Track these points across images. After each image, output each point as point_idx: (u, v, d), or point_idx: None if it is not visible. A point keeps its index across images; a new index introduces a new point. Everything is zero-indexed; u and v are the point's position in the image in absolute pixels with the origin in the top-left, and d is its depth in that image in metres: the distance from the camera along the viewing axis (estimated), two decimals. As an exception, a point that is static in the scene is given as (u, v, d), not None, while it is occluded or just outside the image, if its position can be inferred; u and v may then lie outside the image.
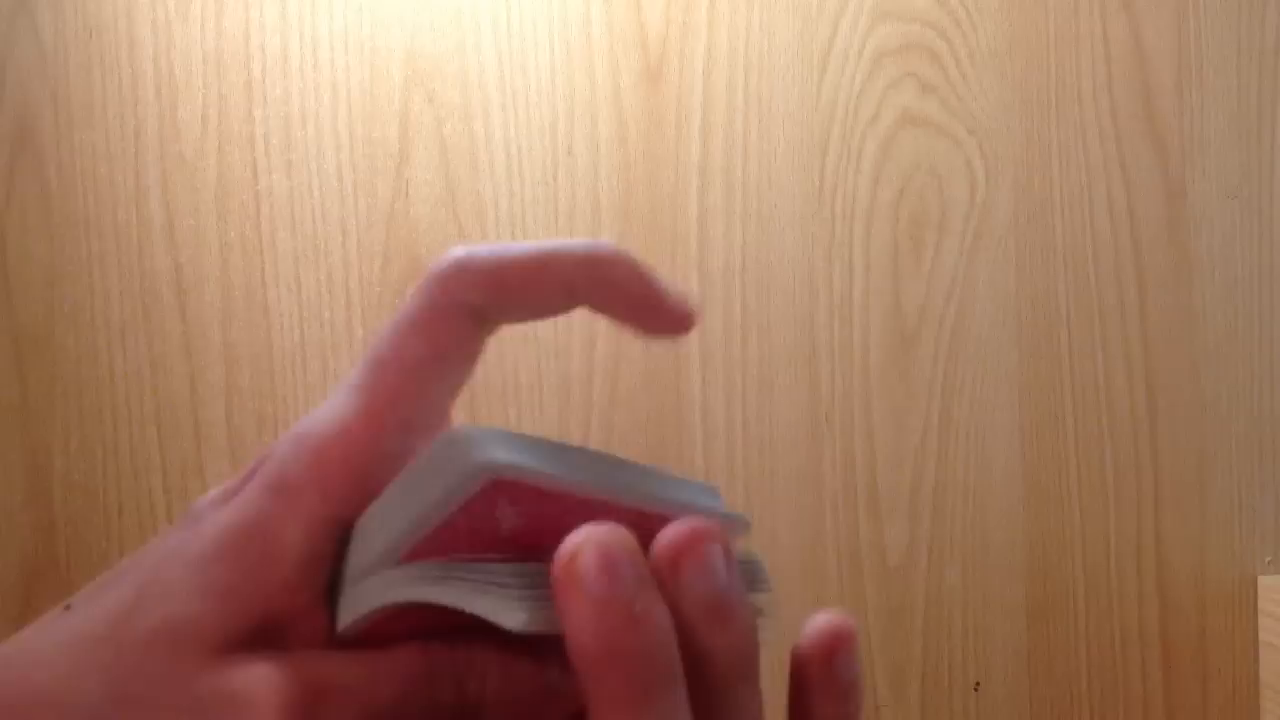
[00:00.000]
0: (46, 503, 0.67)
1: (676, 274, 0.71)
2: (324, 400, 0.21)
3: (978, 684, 0.73)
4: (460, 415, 0.27)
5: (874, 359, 0.72)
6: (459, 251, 0.21)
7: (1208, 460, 0.74)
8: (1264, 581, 0.73)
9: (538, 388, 0.69)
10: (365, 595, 0.19)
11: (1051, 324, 0.73)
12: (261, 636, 0.18)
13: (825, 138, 0.72)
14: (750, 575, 0.22)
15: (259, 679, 0.17)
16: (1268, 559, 0.74)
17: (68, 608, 0.19)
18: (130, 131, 0.68)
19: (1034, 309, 0.73)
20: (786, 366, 0.71)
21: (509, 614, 0.18)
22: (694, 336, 0.71)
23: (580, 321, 0.70)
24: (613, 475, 0.20)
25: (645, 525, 0.19)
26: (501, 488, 0.18)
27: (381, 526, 0.19)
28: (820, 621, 0.21)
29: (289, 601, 0.19)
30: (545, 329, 0.70)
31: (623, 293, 0.21)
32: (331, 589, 0.20)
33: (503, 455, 0.18)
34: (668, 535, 0.18)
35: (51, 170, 0.68)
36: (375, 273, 0.69)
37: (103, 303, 0.68)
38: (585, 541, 0.17)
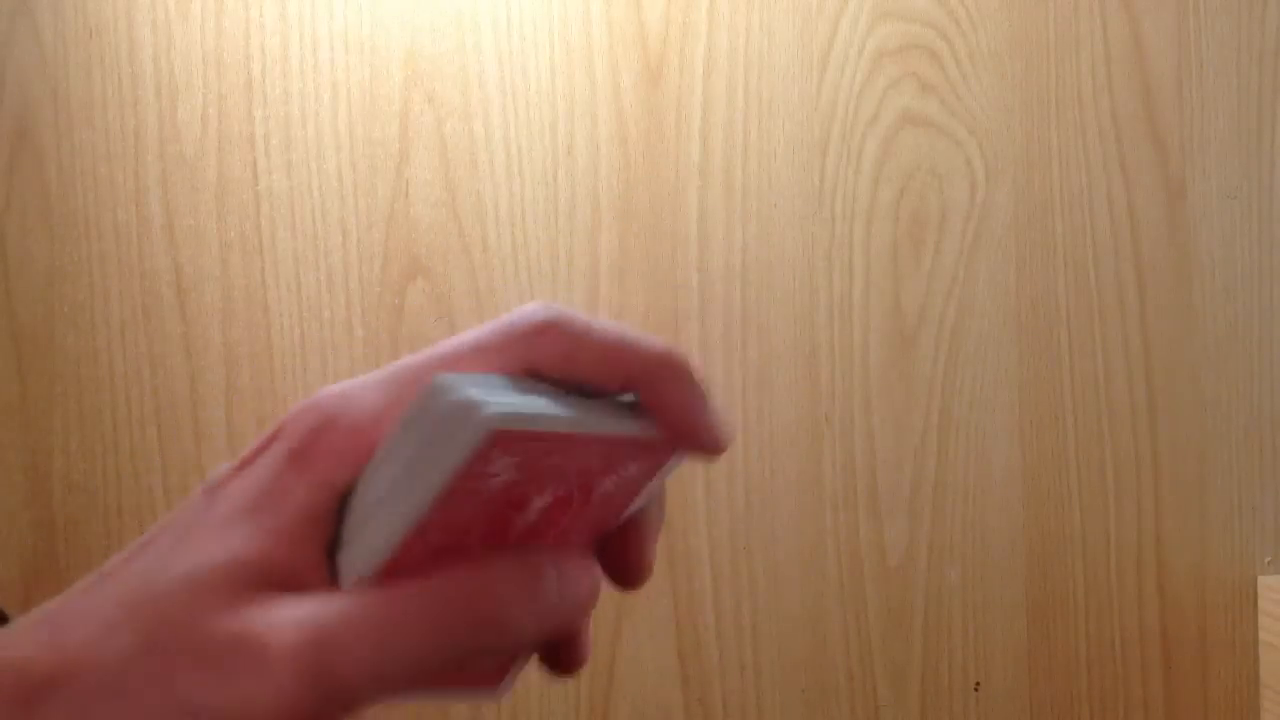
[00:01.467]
0: (46, 503, 0.67)
1: (676, 274, 0.71)
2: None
3: (978, 684, 0.73)
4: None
5: (874, 359, 0.72)
6: (546, 312, 0.22)
7: (1208, 460, 0.74)
8: (1264, 581, 0.73)
9: (538, 388, 0.69)
10: (370, 541, 0.20)
11: (1051, 324, 0.73)
12: (279, 588, 0.20)
13: (825, 138, 0.72)
14: None
15: (273, 621, 0.19)
16: (1268, 559, 0.74)
17: (103, 576, 0.21)
18: (130, 131, 0.68)
19: (1034, 309, 0.73)
20: (786, 366, 0.71)
21: None
22: (694, 336, 0.71)
23: (580, 321, 0.70)
24: (576, 408, 0.21)
25: (616, 451, 0.22)
26: (499, 439, 0.19)
27: (386, 493, 0.20)
28: None
29: (298, 553, 0.20)
30: (545, 329, 0.70)
31: (674, 411, 0.23)
32: (331, 552, 0.21)
33: (499, 406, 0.19)
34: None
35: (51, 170, 0.68)
36: (375, 273, 0.69)
37: (103, 303, 0.68)
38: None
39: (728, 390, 0.71)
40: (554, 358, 0.22)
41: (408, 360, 0.22)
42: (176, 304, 0.68)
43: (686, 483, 0.71)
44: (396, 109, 0.69)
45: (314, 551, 0.20)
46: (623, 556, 0.25)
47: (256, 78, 0.68)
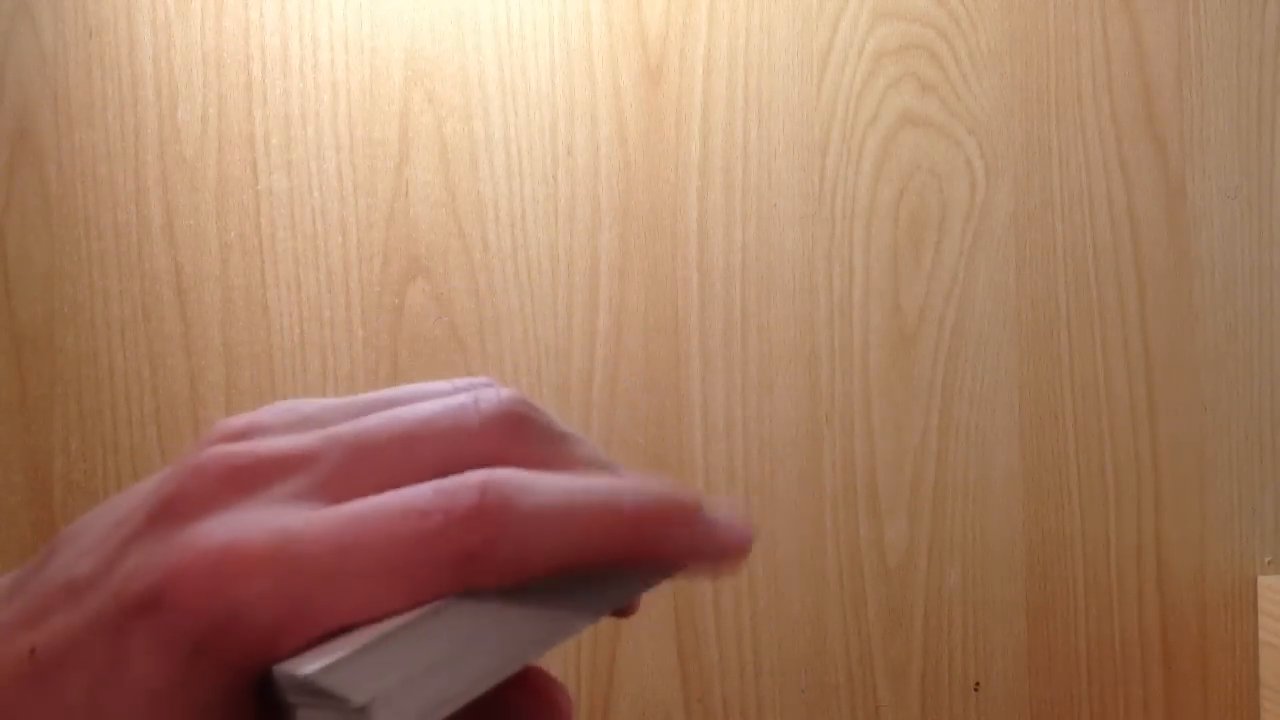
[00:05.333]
0: (46, 503, 0.67)
1: (676, 274, 0.71)
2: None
3: (978, 684, 0.73)
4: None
5: (874, 359, 0.72)
6: (488, 506, 0.18)
7: (1208, 460, 0.74)
8: (1264, 581, 0.73)
9: (538, 388, 0.69)
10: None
11: (1051, 324, 0.73)
12: None
13: (825, 138, 0.72)
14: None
15: None
16: (1268, 559, 0.74)
17: (33, 652, 0.18)
18: (130, 131, 0.68)
19: (1034, 309, 0.73)
20: (786, 366, 0.71)
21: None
22: (694, 336, 0.71)
23: (580, 322, 0.70)
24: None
25: None
26: None
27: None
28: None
29: None
30: (545, 330, 0.70)
31: (671, 560, 0.20)
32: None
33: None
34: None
35: (51, 170, 0.68)
36: (375, 273, 0.69)
37: (103, 303, 0.68)
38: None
39: (728, 390, 0.71)
40: (499, 581, 0.18)
41: (335, 573, 0.17)
42: (176, 304, 0.68)
43: (686, 482, 0.71)
44: (396, 109, 0.69)
45: None
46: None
47: (256, 78, 0.68)
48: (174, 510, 0.19)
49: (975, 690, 0.72)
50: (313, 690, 0.17)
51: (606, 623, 0.70)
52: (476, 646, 0.18)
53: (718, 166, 0.71)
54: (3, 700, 0.18)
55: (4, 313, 0.67)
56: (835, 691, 0.72)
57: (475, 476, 0.18)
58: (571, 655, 0.70)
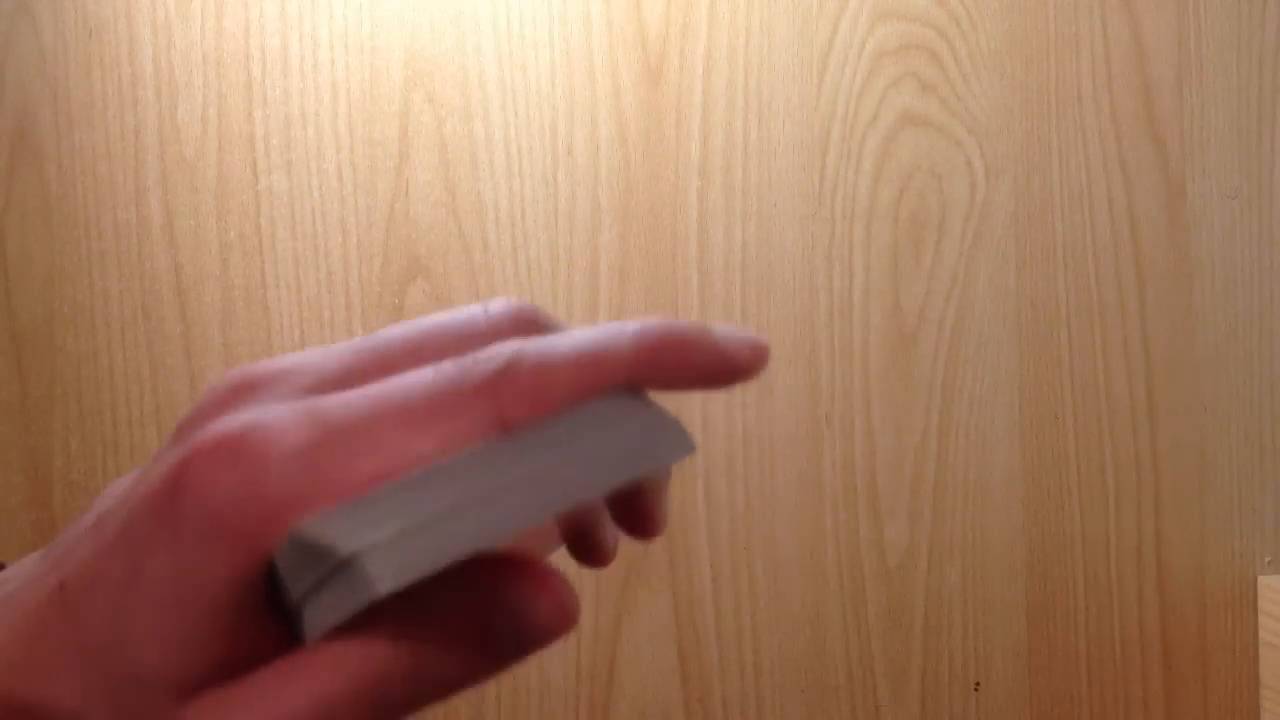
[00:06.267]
0: (46, 503, 0.67)
1: (676, 274, 0.71)
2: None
3: (978, 684, 0.73)
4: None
5: (874, 359, 0.72)
6: (504, 353, 0.19)
7: (1208, 460, 0.74)
8: (1264, 581, 0.73)
9: (538, 388, 0.69)
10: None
11: (1051, 324, 0.73)
12: (225, 671, 0.18)
13: (825, 138, 0.72)
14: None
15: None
16: (1268, 559, 0.74)
17: (61, 586, 0.19)
18: (130, 131, 0.68)
19: (1034, 309, 0.73)
20: (786, 366, 0.71)
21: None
22: (694, 336, 0.71)
23: (580, 322, 0.70)
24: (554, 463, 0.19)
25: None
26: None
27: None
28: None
29: (248, 640, 0.18)
30: (545, 329, 0.70)
31: (687, 374, 0.20)
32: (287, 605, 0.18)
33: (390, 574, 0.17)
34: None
35: (51, 170, 0.68)
36: (375, 273, 0.69)
37: (103, 303, 0.68)
38: None
39: (728, 391, 0.71)
40: (523, 409, 0.18)
41: (361, 428, 0.18)
42: (176, 304, 0.68)
43: (686, 482, 0.71)
44: (396, 109, 0.69)
45: (259, 624, 0.18)
46: (640, 510, 0.23)
47: (256, 78, 0.68)
48: (191, 425, 0.19)
49: (975, 690, 0.73)
50: (303, 550, 0.17)
51: (607, 623, 0.70)
52: (479, 502, 0.17)
53: (718, 166, 0.71)
54: (31, 638, 0.18)
55: (4, 313, 0.67)
56: (835, 691, 0.72)
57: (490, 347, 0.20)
58: (571, 655, 0.70)
